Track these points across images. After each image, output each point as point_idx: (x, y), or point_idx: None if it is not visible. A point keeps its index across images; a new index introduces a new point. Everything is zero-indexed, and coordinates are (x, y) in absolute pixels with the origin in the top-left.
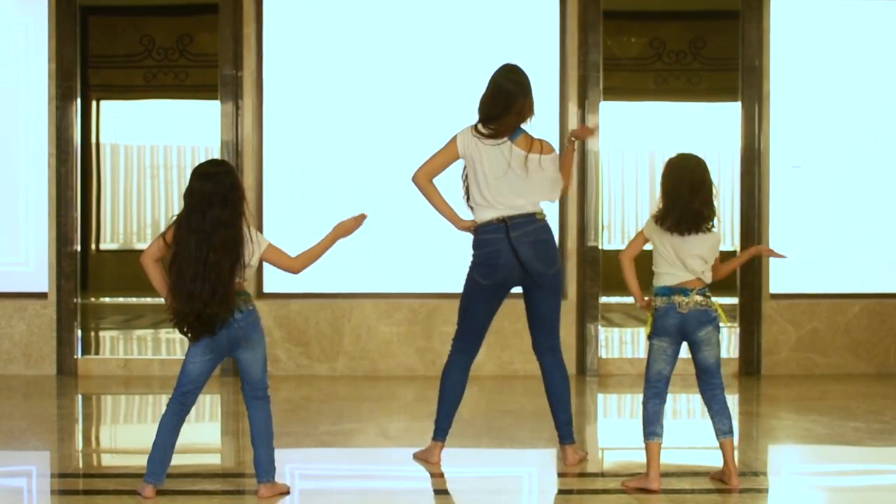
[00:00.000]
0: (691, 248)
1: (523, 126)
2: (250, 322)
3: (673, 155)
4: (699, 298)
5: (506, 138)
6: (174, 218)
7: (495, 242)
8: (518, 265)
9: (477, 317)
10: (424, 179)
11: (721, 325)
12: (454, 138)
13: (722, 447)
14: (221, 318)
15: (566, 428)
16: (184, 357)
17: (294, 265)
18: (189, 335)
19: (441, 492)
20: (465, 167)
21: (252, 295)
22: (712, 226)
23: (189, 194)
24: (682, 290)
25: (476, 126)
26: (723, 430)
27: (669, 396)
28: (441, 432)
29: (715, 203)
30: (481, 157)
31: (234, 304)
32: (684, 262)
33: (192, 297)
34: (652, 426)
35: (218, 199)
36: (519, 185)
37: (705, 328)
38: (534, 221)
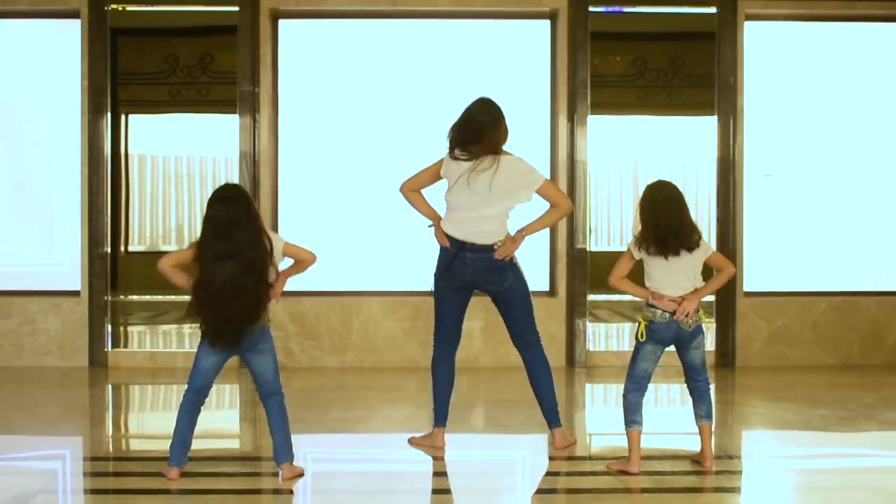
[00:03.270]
0: (678, 268)
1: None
2: (262, 335)
3: (651, 182)
4: (696, 316)
5: (473, 162)
6: (196, 241)
7: (452, 257)
8: (470, 279)
9: (448, 311)
10: (407, 190)
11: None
12: (442, 159)
13: (700, 431)
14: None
15: (552, 414)
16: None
17: (311, 256)
18: (208, 337)
19: (440, 473)
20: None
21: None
22: (697, 242)
23: (209, 220)
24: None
25: (453, 152)
26: (701, 415)
27: (652, 386)
28: (441, 418)
29: (692, 220)
30: (455, 179)
31: (262, 321)
32: (673, 281)
33: (227, 318)
34: (633, 415)
35: (241, 224)
36: (481, 207)
37: (697, 337)
38: (488, 251)
